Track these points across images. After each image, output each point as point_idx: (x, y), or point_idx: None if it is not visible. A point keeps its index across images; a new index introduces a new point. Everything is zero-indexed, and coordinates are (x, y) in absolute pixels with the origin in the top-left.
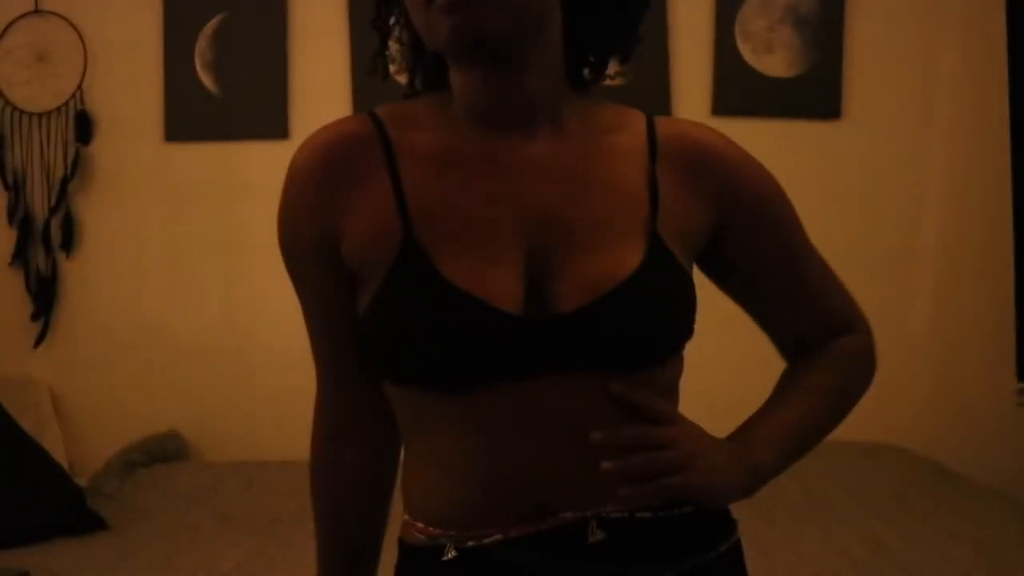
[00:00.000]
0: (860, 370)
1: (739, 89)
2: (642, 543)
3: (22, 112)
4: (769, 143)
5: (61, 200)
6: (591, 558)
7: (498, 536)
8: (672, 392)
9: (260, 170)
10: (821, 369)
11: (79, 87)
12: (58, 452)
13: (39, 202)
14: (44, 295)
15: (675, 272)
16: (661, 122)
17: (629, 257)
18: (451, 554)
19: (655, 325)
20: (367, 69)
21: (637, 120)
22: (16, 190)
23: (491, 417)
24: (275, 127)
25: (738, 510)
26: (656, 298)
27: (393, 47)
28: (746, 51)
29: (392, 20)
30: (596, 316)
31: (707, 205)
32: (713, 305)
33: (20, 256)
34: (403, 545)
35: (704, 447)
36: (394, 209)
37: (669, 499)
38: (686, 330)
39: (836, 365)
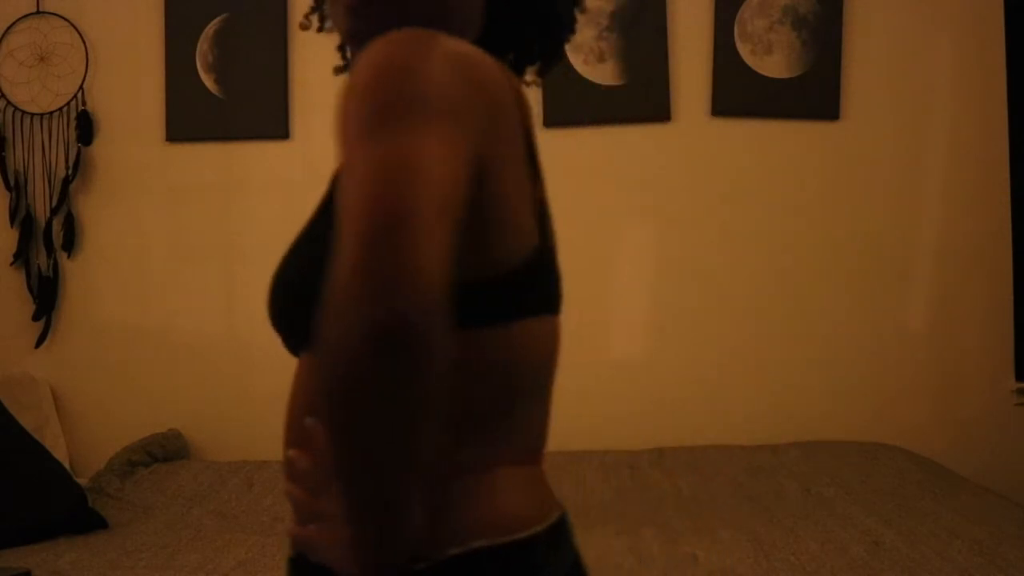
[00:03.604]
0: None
1: (738, 90)
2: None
3: (24, 113)
4: (768, 144)
5: (62, 200)
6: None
7: None
8: None
9: (261, 170)
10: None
11: (80, 88)
12: (59, 451)
13: (40, 202)
14: (45, 295)
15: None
16: None
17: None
18: None
19: (280, 307)
20: (302, 25)
21: None
22: (18, 190)
23: None
24: (276, 127)
25: (737, 508)
26: (282, 273)
27: None
28: (745, 52)
29: None
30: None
31: None
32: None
33: (22, 256)
34: None
35: None
36: None
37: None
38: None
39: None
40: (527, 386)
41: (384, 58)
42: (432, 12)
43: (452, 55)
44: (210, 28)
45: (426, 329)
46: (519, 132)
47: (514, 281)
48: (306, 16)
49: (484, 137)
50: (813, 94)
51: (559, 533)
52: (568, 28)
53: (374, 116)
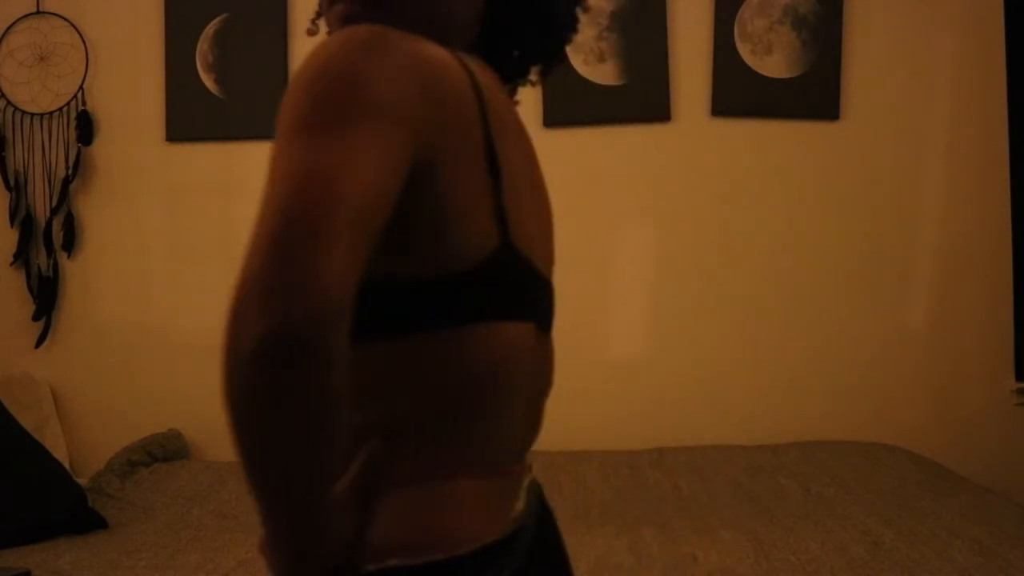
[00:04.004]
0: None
1: (738, 90)
2: None
3: (24, 113)
4: (768, 144)
5: (62, 200)
6: None
7: None
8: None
9: (261, 170)
10: None
11: (80, 88)
12: (59, 452)
13: (40, 202)
14: (45, 295)
15: None
16: None
17: None
18: None
19: None
20: (309, 32)
21: None
22: (18, 190)
23: None
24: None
25: (737, 508)
26: None
27: None
28: (745, 52)
29: None
30: None
31: None
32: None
33: (22, 256)
34: None
35: None
36: None
37: None
38: None
39: None
40: (483, 394)
41: (326, 58)
42: (426, 15)
43: (401, 53)
44: (210, 28)
45: (320, 342)
46: (476, 133)
47: (465, 283)
48: (312, 22)
49: (428, 137)
50: (813, 94)
51: (493, 556)
52: (570, 28)
53: (307, 117)
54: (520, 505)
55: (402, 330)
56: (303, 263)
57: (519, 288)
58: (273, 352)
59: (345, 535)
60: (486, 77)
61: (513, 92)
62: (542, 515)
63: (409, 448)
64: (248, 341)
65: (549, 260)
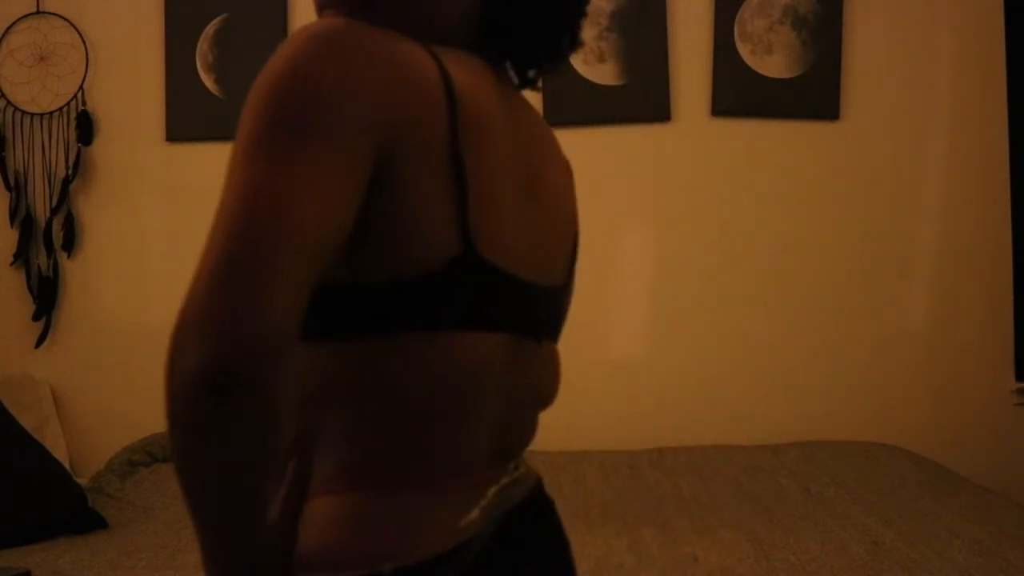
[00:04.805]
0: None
1: (738, 90)
2: None
3: (24, 112)
4: (768, 144)
5: (62, 200)
6: None
7: None
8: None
9: None
10: None
11: (80, 88)
12: (59, 451)
13: (41, 202)
14: (45, 295)
15: None
16: None
17: None
18: None
19: None
20: None
21: None
22: (18, 190)
23: None
24: None
25: (737, 508)
26: None
27: None
28: (745, 52)
29: None
30: None
31: None
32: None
33: (22, 256)
34: None
35: None
36: None
37: None
38: None
39: None
40: (430, 406)
41: (283, 64)
42: (426, 15)
43: (362, 54)
44: (210, 28)
45: (260, 374)
46: (440, 137)
47: (415, 291)
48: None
49: (387, 142)
50: (813, 94)
51: (423, 573)
52: (578, 12)
53: (263, 132)
54: (474, 515)
55: (345, 334)
56: (246, 294)
57: (486, 298)
58: (211, 383)
59: (287, 554)
60: (473, 76)
61: (532, 84)
62: (541, 509)
63: (345, 458)
64: (187, 370)
65: (553, 267)
